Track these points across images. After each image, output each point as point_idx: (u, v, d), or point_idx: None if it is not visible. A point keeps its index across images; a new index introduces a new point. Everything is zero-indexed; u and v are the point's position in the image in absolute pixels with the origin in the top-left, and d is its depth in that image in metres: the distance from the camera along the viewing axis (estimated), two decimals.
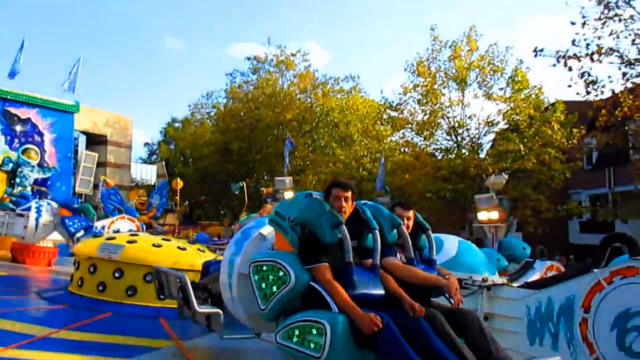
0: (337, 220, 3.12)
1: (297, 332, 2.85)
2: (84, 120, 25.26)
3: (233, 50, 72.88)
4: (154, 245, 7.07)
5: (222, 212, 34.60)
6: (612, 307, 3.54)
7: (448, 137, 23.90)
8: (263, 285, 3.10)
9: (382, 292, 3.09)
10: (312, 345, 2.75)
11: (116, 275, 6.66)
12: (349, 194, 3.33)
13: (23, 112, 18.17)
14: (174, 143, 42.56)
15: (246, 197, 24.90)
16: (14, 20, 70.79)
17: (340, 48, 74.02)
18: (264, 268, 3.11)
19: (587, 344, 3.62)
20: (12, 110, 17.95)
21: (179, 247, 7.24)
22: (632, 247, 4.29)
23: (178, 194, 24.29)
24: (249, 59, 33.00)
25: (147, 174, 38.69)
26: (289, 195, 20.30)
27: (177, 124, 43.46)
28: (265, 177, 31.81)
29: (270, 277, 3.06)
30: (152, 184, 32.44)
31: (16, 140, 17.90)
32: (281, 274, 3.01)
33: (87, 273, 6.98)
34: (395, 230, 3.48)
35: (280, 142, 27.91)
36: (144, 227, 15.00)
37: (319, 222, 3.10)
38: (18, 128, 18.04)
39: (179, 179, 24.49)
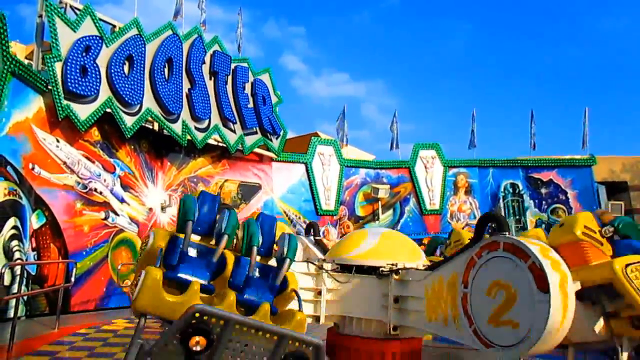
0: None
1: None
2: (601, 170, 24.84)
3: None
4: None
5: None
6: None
7: None
8: None
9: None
10: None
11: None
12: None
13: (544, 176, 19.67)
14: None
15: None
16: (522, 93, 78.63)
17: None
18: None
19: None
20: (535, 175, 19.71)
21: None
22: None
23: None
24: None
25: None
26: None
27: None
28: None
29: None
30: None
31: (543, 203, 19.41)
32: None
33: None
34: None
35: None
36: None
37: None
38: (543, 191, 19.58)
39: None
